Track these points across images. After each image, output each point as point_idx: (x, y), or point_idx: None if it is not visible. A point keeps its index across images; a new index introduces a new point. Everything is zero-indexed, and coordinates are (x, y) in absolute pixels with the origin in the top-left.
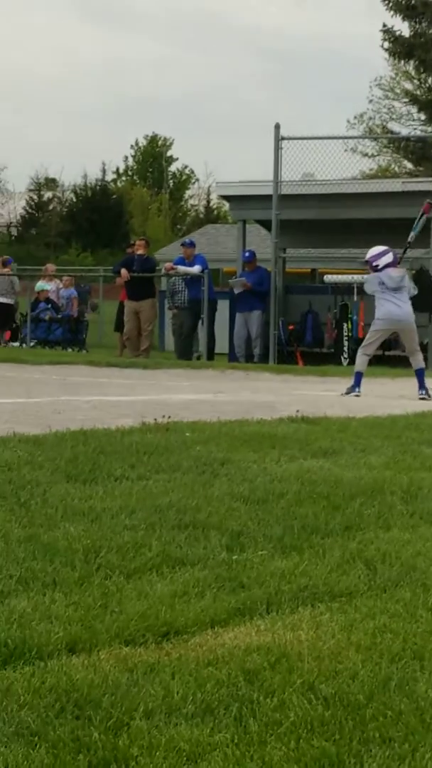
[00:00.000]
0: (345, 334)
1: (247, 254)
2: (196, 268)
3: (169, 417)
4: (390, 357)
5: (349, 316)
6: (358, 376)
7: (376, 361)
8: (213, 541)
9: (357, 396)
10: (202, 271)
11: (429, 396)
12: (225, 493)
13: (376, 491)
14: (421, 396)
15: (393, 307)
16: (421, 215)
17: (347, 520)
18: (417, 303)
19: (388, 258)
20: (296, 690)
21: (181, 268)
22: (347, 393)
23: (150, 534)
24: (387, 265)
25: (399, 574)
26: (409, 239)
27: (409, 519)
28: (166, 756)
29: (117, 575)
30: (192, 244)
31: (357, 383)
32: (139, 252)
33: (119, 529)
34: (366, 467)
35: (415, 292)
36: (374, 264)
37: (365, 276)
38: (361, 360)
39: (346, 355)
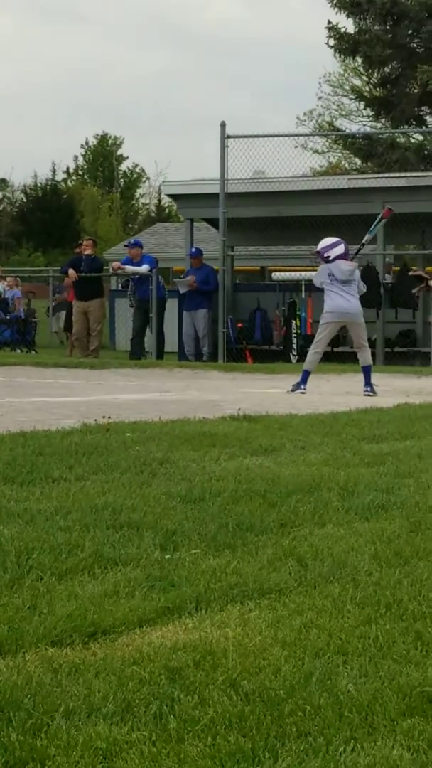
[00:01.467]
0: (294, 331)
1: (193, 250)
2: (144, 268)
3: (110, 417)
4: (338, 353)
5: (298, 313)
6: (306, 374)
7: (324, 357)
8: (147, 540)
9: (302, 393)
10: (150, 271)
11: (374, 393)
12: (162, 492)
13: (313, 488)
14: (366, 393)
15: (341, 300)
16: (380, 219)
17: (282, 517)
18: (364, 299)
19: (340, 249)
20: (218, 687)
21: (129, 268)
22: (293, 390)
23: (84, 534)
24: (338, 257)
25: (330, 570)
26: (364, 241)
27: (345, 515)
28: (83, 755)
29: (48, 576)
30: (137, 245)
31: (303, 380)
32: (87, 252)
33: (53, 530)
34: (305, 464)
35: (364, 290)
36: (325, 255)
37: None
38: (312, 358)
39: (295, 352)
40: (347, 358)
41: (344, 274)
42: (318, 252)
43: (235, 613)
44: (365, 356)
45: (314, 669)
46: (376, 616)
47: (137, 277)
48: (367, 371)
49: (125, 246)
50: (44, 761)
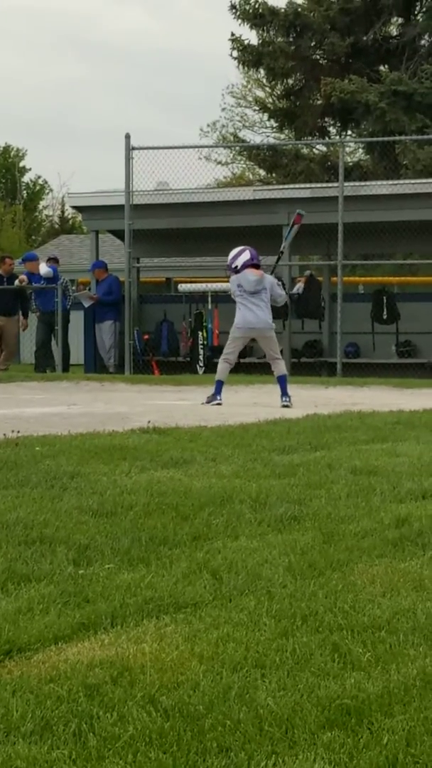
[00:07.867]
0: (200, 342)
1: (94, 263)
2: (45, 271)
3: (18, 431)
4: (246, 364)
5: (204, 324)
6: (219, 384)
7: (232, 368)
8: (60, 555)
9: (219, 404)
10: (54, 276)
11: (291, 403)
12: (73, 506)
13: (225, 500)
14: (285, 403)
15: (249, 314)
16: (292, 225)
17: (195, 530)
18: (272, 310)
19: (245, 256)
20: (137, 703)
21: (43, 271)
22: (208, 402)
23: None
24: (245, 265)
25: (245, 583)
26: (281, 249)
27: (257, 527)
28: None
29: None
30: (30, 258)
31: (218, 391)
32: (7, 268)
33: None
34: (216, 476)
35: (283, 297)
36: (233, 266)
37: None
38: (222, 367)
39: (201, 364)
40: (255, 369)
41: (251, 284)
42: (228, 266)
43: (151, 628)
44: (279, 367)
45: (233, 683)
46: (293, 629)
47: (41, 287)
48: (282, 381)
49: (20, 264)
50: None
